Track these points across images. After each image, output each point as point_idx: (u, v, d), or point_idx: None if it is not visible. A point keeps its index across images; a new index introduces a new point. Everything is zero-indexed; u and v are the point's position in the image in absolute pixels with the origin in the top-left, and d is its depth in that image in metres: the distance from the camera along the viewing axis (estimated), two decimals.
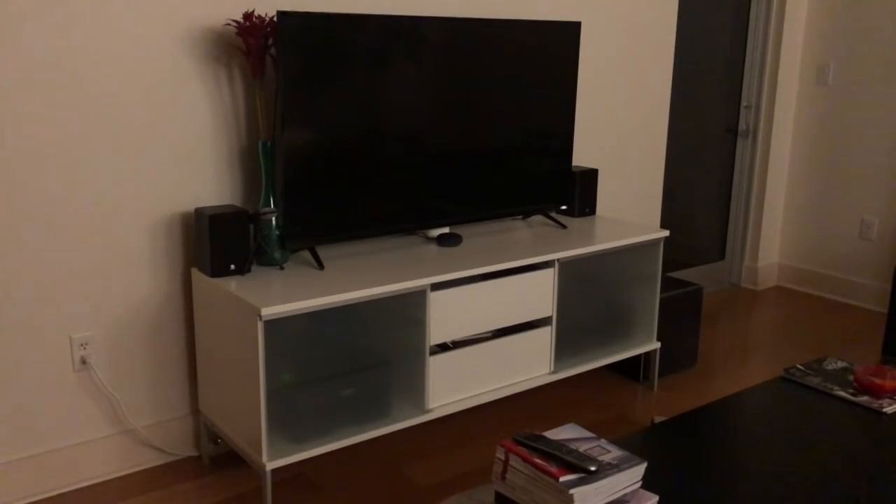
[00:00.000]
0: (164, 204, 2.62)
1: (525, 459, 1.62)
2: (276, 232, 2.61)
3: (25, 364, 2.46)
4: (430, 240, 3.01)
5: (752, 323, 4.27)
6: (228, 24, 2.63)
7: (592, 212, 3.49)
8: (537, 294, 2.89)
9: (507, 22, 2.95)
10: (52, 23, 2.32)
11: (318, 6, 2.78)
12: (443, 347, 2.76)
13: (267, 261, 2.63)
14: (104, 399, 2.62)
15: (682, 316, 3.52)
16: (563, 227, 3.28)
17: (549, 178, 3.24)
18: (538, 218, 3.42)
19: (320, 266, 2.64)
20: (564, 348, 3.04)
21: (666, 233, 3.26)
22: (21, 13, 2.27)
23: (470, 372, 2.78)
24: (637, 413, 3.21)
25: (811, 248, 4.74)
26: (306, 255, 2.76)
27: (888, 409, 2.25)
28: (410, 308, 2.59)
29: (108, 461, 2.65)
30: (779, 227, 4.85)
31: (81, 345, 2.53)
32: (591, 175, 3.45)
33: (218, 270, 2.51)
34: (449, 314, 2.67)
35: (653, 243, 3.24)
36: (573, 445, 1.67)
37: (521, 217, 3.41)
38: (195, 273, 2.62)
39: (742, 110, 4.66)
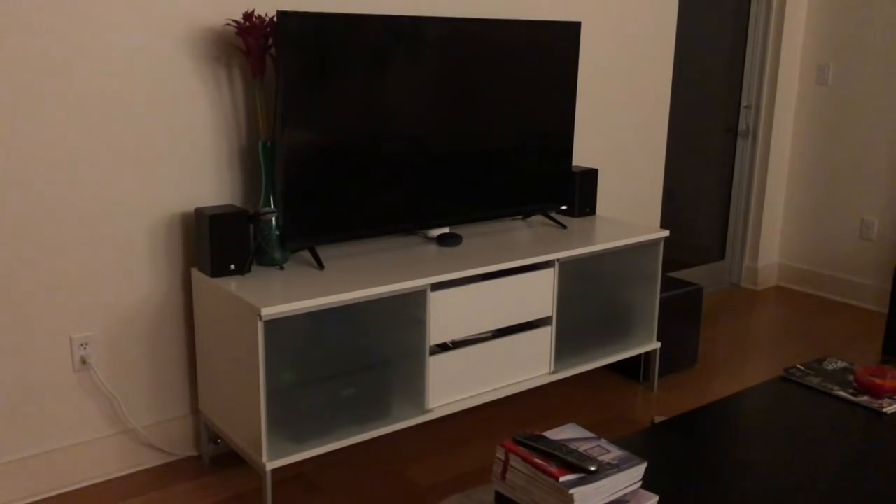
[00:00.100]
0: (165, 204, 2.62)
1: (525, 459, 1.62)
2: (276, 232, 2.61)
3: (25, 364, 2.46)
4: (431, 240, 3.01)
5: (752, 323, 4.27)
6: (228, 24, 2.63)
7: (592, 212, 3.49)
8: (537, 294, 2.89)
9: (507, 22, 2.95)
10: (51, 23, 2.32)
11: (318, 6, 2.78)
12: (443, 347, 2.76)
13: (267, 261, 2.63)
14: (104, 399, 2.62)
15: (682, 316, 3.52)
16: (563, 227, 3.28)
17: (550, 178, 3.24)
18: (538, 218, 3.42)
19: (320, 266, 2.64)
20: (564, 348, 3.04)
21: (666, 233, 3.26)
22: (21, 13, 2.27)
23: (470, 372, 2.78)
24: (637, 413, 3.21)
25: (811, 248, 4.74)
26: (306, 255, 2.76)
27: (888, 409, 2.25)
28: (410, 308, 2.59)
29: (108, 461, 2.65)
30: (779, 227, 4.85)
31: (81, 345, 2.53)
32: (591, 175, 3.45)
33: (218, 270, 2.51)
34: (449, 314, 2.67)
35: (653, 243, 3.24)
36: (573, 445, 1.67)
37: (521, 217, 3.41)
38: (195, 273, 2.62)
39: (742, 110, 4.66)
